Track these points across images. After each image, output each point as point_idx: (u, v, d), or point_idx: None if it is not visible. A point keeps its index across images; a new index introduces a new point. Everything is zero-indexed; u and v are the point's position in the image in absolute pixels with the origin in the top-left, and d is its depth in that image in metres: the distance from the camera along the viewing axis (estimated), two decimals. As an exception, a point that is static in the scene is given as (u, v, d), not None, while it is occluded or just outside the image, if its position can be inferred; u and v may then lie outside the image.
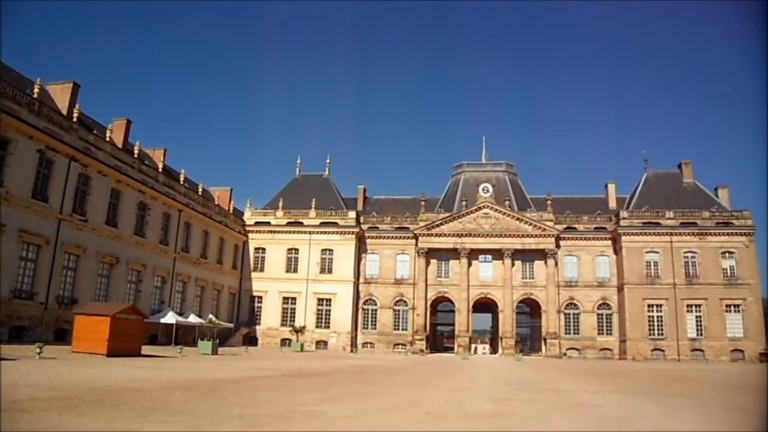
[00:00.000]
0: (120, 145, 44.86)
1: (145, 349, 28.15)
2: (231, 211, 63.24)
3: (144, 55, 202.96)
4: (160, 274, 48.06)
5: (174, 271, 50.05)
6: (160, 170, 49.52)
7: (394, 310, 64.44)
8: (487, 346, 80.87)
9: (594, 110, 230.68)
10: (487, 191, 64.40)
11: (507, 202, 64.13)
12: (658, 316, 59.22)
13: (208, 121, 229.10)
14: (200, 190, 56.85)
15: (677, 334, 58.14)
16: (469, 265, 63.46)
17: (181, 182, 52.90)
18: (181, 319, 45.87)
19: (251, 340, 60.98)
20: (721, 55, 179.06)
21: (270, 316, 63.17)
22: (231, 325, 57.15)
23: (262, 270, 64.74)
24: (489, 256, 64.03)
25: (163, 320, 43.65)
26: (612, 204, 69.28)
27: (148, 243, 46.16)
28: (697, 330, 58.54)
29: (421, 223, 64.36)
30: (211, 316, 47.92)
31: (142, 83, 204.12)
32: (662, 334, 58.70)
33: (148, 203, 46.34)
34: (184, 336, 47.84)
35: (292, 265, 64.43)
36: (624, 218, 61.62)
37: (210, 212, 57.27)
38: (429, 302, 63.58)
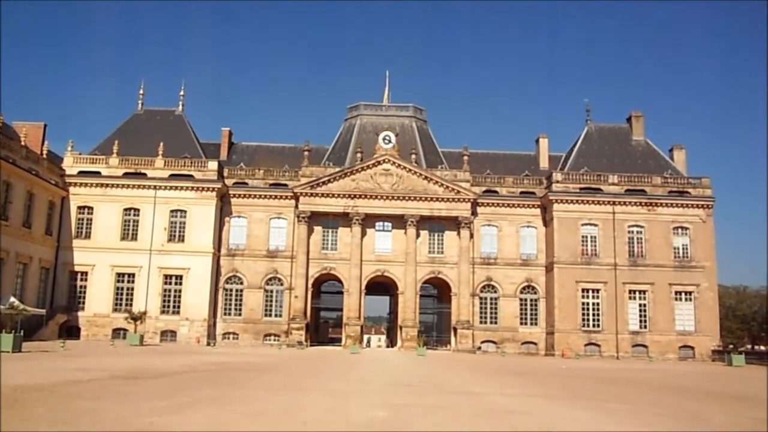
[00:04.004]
0: None
1: None
2: (44, 156, 60.23)
3: None
4: (-60, 239, 45.29)
5: (-39, 236, 47.31)
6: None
7: (266, 291, 64.27)
8: (383, 338, 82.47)
9: (526, 47, 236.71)
10: (389, 141, 64.90)
11: (413, 157, 64.97)
12: (594, 304, 62.36)
13: (7, 28, 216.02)
14: (-1, 125, 53.73)
15: (617, 326, 61.47)
16: (363, 234, 64.08)
17: (-27, 114, 49.72)
18: (-30, 303, 43.57)
19: (71, 332, 58.97)
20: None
21: (98, 299, 61.25)
22: (43, 311, 54.89)
23: (88, 237, 62.42)
24: (389, 224, 64.90)
25: (-58, 305, 41.31)
26: (543, 163, 71.78)
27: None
28: (641, 321, 62.13)
29: (304, 179, 64.11)
30: (13, 299, 45.81)
31: None
32: (598, 326, 61.94)
33: (-77, 141, 43.33)
34: (-26, 326, 45.52)
35: (130, 231, 62.55)
36: (557, 181, 64.02)
37: (13, 156, 54.30)
38: (311, 281, 63.82)
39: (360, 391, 17.47)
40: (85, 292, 61.65)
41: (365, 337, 69.52)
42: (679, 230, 63.33)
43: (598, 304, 62.16)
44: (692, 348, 61.14)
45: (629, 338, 61.42)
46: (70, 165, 63.55)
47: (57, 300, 60.70)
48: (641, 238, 63.13)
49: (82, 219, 62.72)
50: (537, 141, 74.43)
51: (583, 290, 62.25)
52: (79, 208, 62.69)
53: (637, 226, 63.29)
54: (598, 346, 61.23)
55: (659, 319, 61.59)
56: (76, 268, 61.77)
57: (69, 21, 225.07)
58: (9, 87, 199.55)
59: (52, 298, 60.38)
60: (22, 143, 56.90)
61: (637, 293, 62.39)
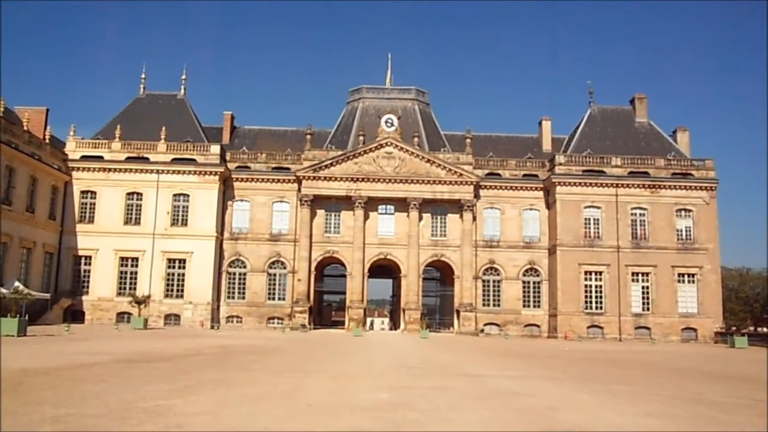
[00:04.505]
0: None
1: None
2: (47, 141, 60.23)
3: None
4: (-56, 224, 45.32)
5: (-36, 222, 47.35)
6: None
7: (269, 275, 64.40)
8: (387, 320, 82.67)
9: (528, 29, 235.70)
10: (392, 125, 64.78)
11: (416, 140, 64.86)
12: (597, 286, 62.47)
13: (9, 14, 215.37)
14: (1, 109, 53.63)
15: (619, 308, 61.61)
16: (366, 217, 64.12)
17: (-27, 98, 49.68)
18: (-27, 288, 43.70)
19: (75, 316, 59.18)
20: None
21: (102, 283, 61.41)
22: (47, 295, 55.13)
23: (91, 221, 62.51)
24: (391, 207, 64.93)
25: (-53, 290, 41.46)
26: (546, 146, 71.69)
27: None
28: (644, 304, 62.28)
29: (306, 163, 64.07)
30: (17, 283, 45.96)
31: None
32: (601, 308, 62.08)
33: (-74, 126, 43.29)
34: (-22, 310, 45.69)
35: (133, 215, 62.63)
36: (560, 164, 63.93)
37: (15, 141, 54.29)
38: (314, 264, 63.95)
39: (363, 373, 17.54)
40: (89, 277, 61.82)
41: (368, 319, 69.65)
42: (682, 212, 63.27)
43: (600, 286, 62.26)
44: (695, 330, 61.26)
45: (632, 320, 61.56)
46: (73, 149, 63.52)
47: (61, 284, 60.87)
48: (644, 221, 63.11)
49: (85, 203, 62.78)
50: (540, 123, 74.32)
51: (585, 273, 62.31)
52: (82, 192, 62.75)
53: (640, 208, 63.25)
54: (601, 328, 61.40)
55: (662, 301, 61.70)
56: (80, 253, 61.90)
57: (70, 5, 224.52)
58: (11, 72, 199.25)
59: (56, 283, 60.54)
60: (25, 128, 56.87)
61: (639, 275, 62.46)
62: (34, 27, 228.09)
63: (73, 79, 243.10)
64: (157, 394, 11.21)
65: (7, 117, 54.38)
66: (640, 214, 63.26)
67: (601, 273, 62.40)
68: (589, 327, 61.30)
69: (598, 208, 63.18)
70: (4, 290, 44.32)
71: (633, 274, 62.39)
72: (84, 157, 63.14)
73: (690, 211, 63.18)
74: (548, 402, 11.99)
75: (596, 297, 62.14)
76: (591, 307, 61.92)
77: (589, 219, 63.15)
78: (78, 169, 62.65)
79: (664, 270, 61.95)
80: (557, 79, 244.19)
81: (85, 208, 62.74)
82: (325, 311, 77.34)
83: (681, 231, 63.07)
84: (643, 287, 62.38)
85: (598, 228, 63.03)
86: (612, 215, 62.77)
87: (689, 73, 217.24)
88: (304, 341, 38.89)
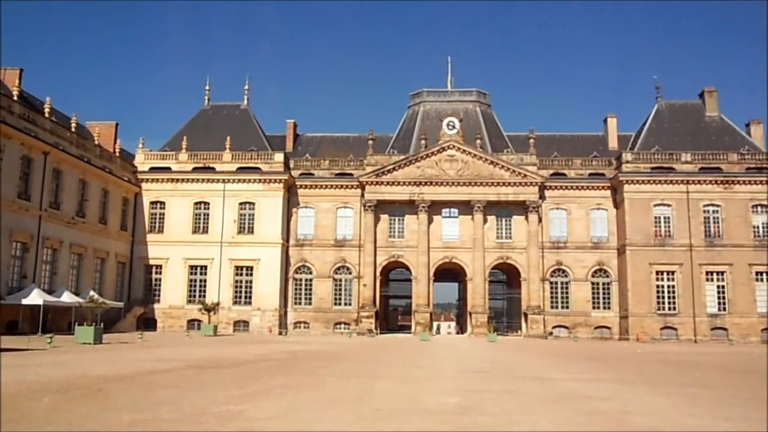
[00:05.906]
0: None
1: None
2: (117, 154, 61.84)
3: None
4: (20, 239, 46.65)
5: (40, 235, 48.66)
6: (15, 97, 47.67)
7: (335, 280, 64.85)
8: (453, 324, 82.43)
9: (592, 25, 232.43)
10: (453, 127, 64.64)
11: (478, 142, 64.59)
12: (669, 286, 61.13)
13: (79, 32, 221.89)
14: (73, 125, 55.25)
15: (693, 309, 60.16)
16: (430, 221, 64.09)
17: (46, 114, 51.14)
18: (51, 298, 44.84)
19: (148, 323, 60.57)
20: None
21: (173, 291, 62.72)
22: (120, 304, 56.48)
23: (161, 231, 63.92)
24: (455, 210, 64.74)
25: (25, 301, 42.64)
26: (612, 144, 70.53)
27: (1, 198, 44.75)
28: (719, 303, 60.62)
29: (369, 168, 64.38)
30: (92, 293, 47.14)
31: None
32: (674, 309, 60.72)
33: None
34: (55, 321, 47.00)
35: (201, 224, 63.83)
36: (627, 162, 62.84)
37: (88, 155, 55.88)
38: (379, 269, 64.15)
39: (431, 377, 17.52)
40: (160, 285, 63.22)
41: (435, 324, 69.61)
42: (758, 208, 61.36)
43: (673, 286, 60.91)
44: (775, 329, 59.39)
45: (707, 321, 60.03)
46: (142, 162, 65.13)
47: (134, 293, 62.44)
48: (717, 218, 61.50)
49: (155, 214, 64.24)
50: (605, 121, 73.20)
51: (657, 272, 61.07)
52: (152, 203, 64.24)
53: (713, 205, 61.66)
54: (675, 329, 60.09)
55: (739, 300, 60.00)
56: (151, 262, 63.36)
57: (137, 22, 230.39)
58: (82, 88, 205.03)
59: (129, 291, 62.14)
60: (96, 143, 58.57)
61: (714, 274, 60.89)
62: (102, 45, 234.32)
63: (140, 94, 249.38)
64: (229, 399, 11.40)
65: (79, 132, 56.12)
66: (713, 211, 61.66)
67: (673, 273, 61.05)
68: (662, 328, 60.04)
69: (669, 205, 61.86)
70: (81, 299, 45.58)
71: (707, 273, 60.84)
72: (153, 169, 64.67)
73: (766, 206, 61.35)
74: (620, 405, 11.80)
75: (669, 297, 60.83)
76: (663, 308, 60.64)
77: (659, 217, 61.88)
78: (147, 180, 64.20)
79: (741, 268, 60.23)
80: (622, 75, 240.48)
81: (155, 219, 64.22)
82: (391, 316, 77.50)
83: (757, 227, 61.19)
84: (718, 287, 60.75)
85: (668, 226, 61.72)
86: (683, 213, 61.36)
87: (761, 64, 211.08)
88: (371, 346, 38.99)
